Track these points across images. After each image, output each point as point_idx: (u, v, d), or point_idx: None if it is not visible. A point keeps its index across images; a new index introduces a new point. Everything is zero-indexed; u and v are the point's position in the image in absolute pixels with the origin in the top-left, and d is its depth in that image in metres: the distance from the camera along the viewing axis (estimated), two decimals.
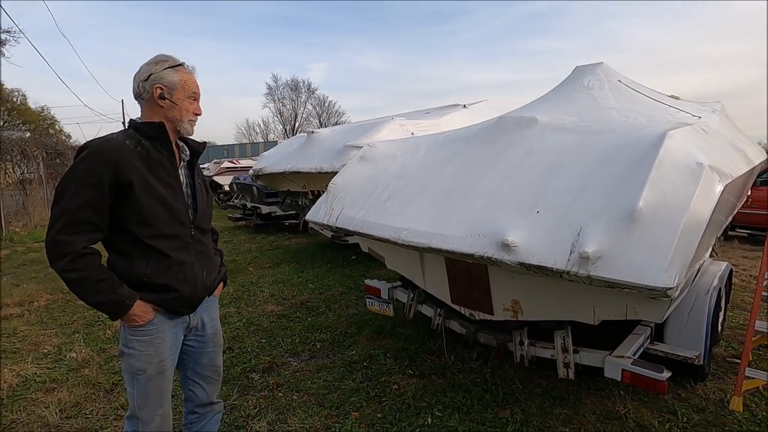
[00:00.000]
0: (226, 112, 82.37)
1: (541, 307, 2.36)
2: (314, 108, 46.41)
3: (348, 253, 6.24)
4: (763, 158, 3.86)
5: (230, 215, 10.02)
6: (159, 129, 1.49)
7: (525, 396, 2.57)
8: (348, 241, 5.81)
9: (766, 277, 2.51)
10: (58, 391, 2.70)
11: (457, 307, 2.80)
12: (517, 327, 2.55)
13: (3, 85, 29.96)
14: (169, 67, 1.50)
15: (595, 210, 1.85)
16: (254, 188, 8.64)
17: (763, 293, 2.63)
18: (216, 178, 13.74)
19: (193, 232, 1.55)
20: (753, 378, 2.47)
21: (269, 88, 45.75)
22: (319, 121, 44.62)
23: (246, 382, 2.78)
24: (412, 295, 3.18)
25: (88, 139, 1.52)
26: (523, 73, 76.94)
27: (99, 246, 1.43)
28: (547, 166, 2.29)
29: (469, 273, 2.56)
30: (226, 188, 12.85)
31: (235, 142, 45.39)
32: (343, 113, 45.78)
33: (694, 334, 2.57)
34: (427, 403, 2.51)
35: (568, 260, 1.73)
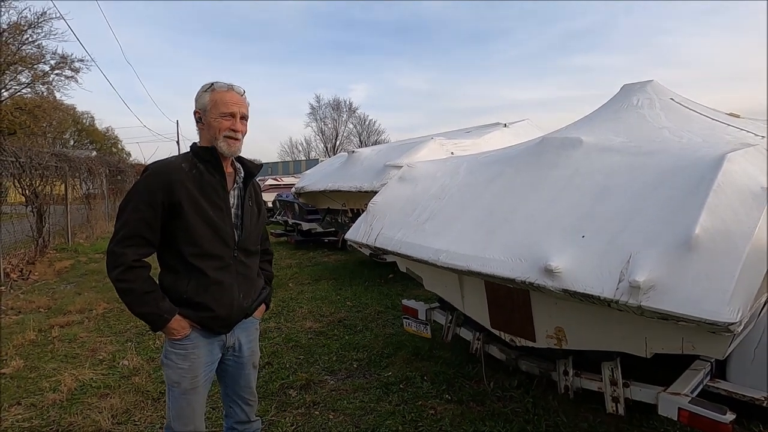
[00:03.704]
0: (271, 131, 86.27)
1: (586, 335, 2.25)
2: (355, 127, 47.61)
3: (386, 271, 6.25)
4: None
5: (273, 231, 10.35)
6: (211, 153, 1.58)
7: (570, 430, 2.44)
8: (386, 259, 5.82)
9: None
10: (111, 397, 2.86)
11: (496, 332, 2.71)
12: (561, 356, 2.44)
13: (75, 108, 32.96)
14: (202, 91, 1.60)
15: (646, 236, 1.76)
16: (296, 205, 8.89)
17: None
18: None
19: (236, 254, 1.61)
20: None
21: (312, 108, 47.59)
22: (360, 140, 45.58)
23: (284, 399, 2.82)
24: (450, 318, 3.13)
25: (145, 157, 1.65)
26: (567, 90, 75.38)
27: (153, 261, 1.53)
28: (594, 189, 2.21)
29: (510, 297, 2.49)
30: (269, 205, 13.34)
31: (279, 160, 47.21)
32: (383, 132, 46.64)
33: (762, 372, 2.34)
34: (465, 431, 2.43)
35: (617, 289, 1.65)
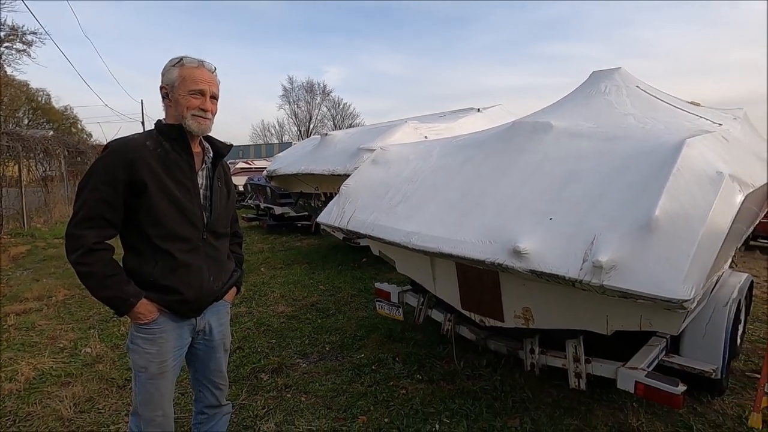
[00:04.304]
0: (242, 113, 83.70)
1: (552, 315, 2.33)
2: (329, 110, 46.83)
3: (359, 255, 6.25)
4: None
5: (244, 215, 10.14)
6: (177, 131, 1.51)
7: (535, 405, 2.54)
8: (359, 243, 5.82)
9: None
10: (72, 386, 2.76)
11: (467, 313, 2.77)
12: (528, 335, 2.52)
13: (29, 84, 30.89)
14: (170, 65, 1.51)
15: (610, 219, 1.82)
16: (268, 189, 8.73)
17: None
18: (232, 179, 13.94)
19: (205, 236, 1.56)
20: None
21: (285, 90, 46.45)
22: (334, 123, 44.96)
23: (255, 382, 2.80)
24: (422, 300, 3.17)
25: (107, 138, 1.56)
26: (540, 77, 76.40)
27: (117, 243, 1.46)
28: (562, 173, 2.26)
29: (480, 279, 2.53)
30: (241, 189, 13.03)
31: (251, 143, 46.04)
32: (358, 116, 46.09)
33: (712, 347, 2.50)
34: (435, 409, 2.49)
35: (581, 269, 1.70)
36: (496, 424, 2.35)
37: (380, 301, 3.40)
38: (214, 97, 1.57)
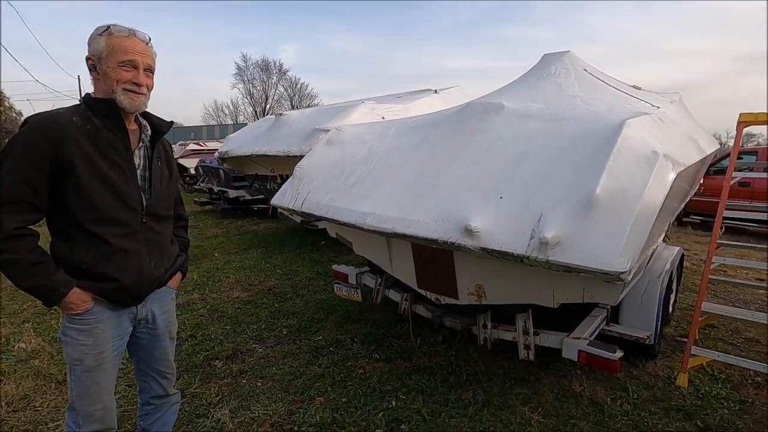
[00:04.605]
0: (193, 92, 79.32)
1: (503, 291, 2.41)
2: (286, 90, 45.34)
3: (317, 238, 6.18)
4: (715, 148, 4.04)
5: (197, 199, 9.72)
6: (109, 106, 1.39)
7: (487, 377, 2.64)
8: (318, 226, 5.75)
9: (713, 260, 2.65)
10: (5, 384, 2.56)
11: (423, 292, 2.82)
12: (480, 311, 2.60)
13: None
14: (97, 34, 1.37)
15: (556, 197, 1.88)
16: (221, 172, 8.38)
17: (711, 276, 2.77)
18: (181, 161, 13.25)
19: (144, 219, 1.47)
20: (698, 356, 2.63)
21: (238, 68, 44.31)
22: (291, 104, 43.66)
23: (208, 370, 2.73)
24: (379, 281, 3.18)
25: None
26: (497, 60, 77.83)
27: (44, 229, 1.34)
28: (513, 154, 2.31)
29: (435, 258, 2.57)
30: (192, 171, 12.43)
31: (203, 124, 43.90)
32: (316, 96, 45.01)
33: (646, 315, 2.70)
34: (392, 386, 2.54)
35: (528, 246, 1.76)
36: (451, 397, 2.43)
37: (338, 283, 3.39)
38: (149, 70, 1.44)
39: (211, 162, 9.07)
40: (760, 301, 4.15)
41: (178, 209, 1.77)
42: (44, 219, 1.39)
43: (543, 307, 2.34)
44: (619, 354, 2.14)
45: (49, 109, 1.41)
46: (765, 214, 2.73)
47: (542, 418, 2.26)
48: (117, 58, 1.36)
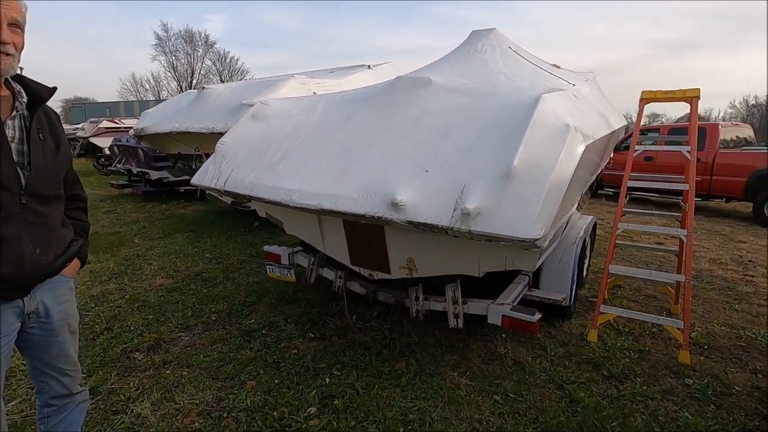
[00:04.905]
0: (107, 64, 71.47)
1: (433, 263, 2.47)
2: (214, 64, 42.30)
3: (250, 219, 5.93)
4: (623, 124, 4.40)
5: (113, 182, 8.87)
6: None
7: (420, 347, 2.72)
8: (250, 206, 5.51)
9: (618, 227, 2.91)
10: None
11: (356, 269, 2.81)
12: (412, 284, 2.65)
13: None
14: None
15: (478, 169, 1.93)
16: (140, 151, 7.69)
17: (618, 241, 3.05)
18: (93, 140, 12.01)
19: (23, 200, 1.27)
20: (606, 313, 2.90)
21: (158, 38, 40.37)
22: (221, 78, 40.92)
23: (127, 363, 2.53)
24: (312, 259, 3.13)
25: None
26: (432, 39, 78.40)
27: None
28: (440, 127, 2.32)
29: (367, 234, 2.56)
30: (107, 152, 11.31)
31: (120, 100, 39.95)
32: (248, 71, 42.47)
33: (563, 279, 2.91)
34: (326, 363, 2.53)
35: (452, 217, 1.80)
36: (384, 369, 2.47)
37: (270, 265, 3.28)
38: (16, 25, 1.23)
39: (127, 141, 8.29)
40: (659, 262, 4.66)
41: (73, 188, 1.58)
42: None
43: (471, 277, 2.43)
44: (537, 316, 2.29)
45: None
46: (662, 183, 3.03)
47: (470, 381, 2.38)
48: None
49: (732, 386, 2.36)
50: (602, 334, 2.90)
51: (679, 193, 3.46)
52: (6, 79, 1.28)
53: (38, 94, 1.35)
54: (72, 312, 1.54)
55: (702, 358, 2.66)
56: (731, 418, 2.09)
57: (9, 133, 1.27)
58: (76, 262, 1.54)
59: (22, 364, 2.35)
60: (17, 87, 1.32)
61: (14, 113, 1.29)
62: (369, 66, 6.67)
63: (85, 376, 2.37)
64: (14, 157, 1.26)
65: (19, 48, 1.26)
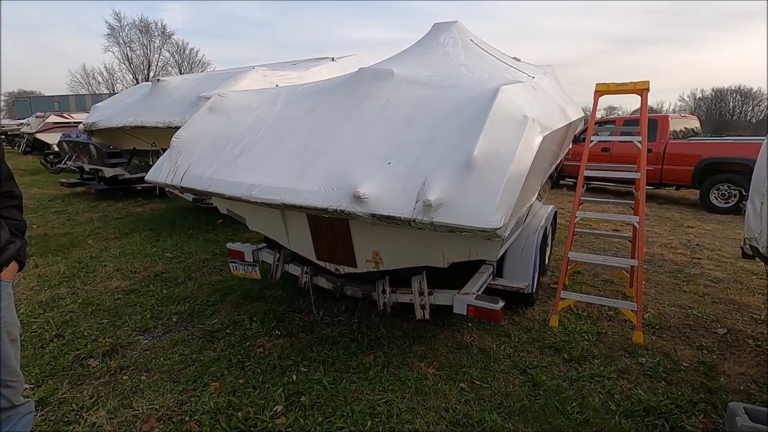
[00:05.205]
0: (55, 55, 67.04)
1: (398, 255, 2.47)
2: (172, 56, 40.53)
3: (213, 217, 5.75)
4: (580, 116, 4.54)
5: (63, 180, 8.35)
6: None
7: (388, 340, 2.73)
8: (213, 203, 5.34)
9: (576, 215, 3.01)
10: None
11: (322, 264, 2.78)
12: (379, 277, 2.65)
13: None
14: None
15: (439, 160, 1.94)
16: (91, 147, 7.27)
17: (576, 229, 3.16)
18: (40, 136, 11.27)
19: None
20: (566, 299, 3.00)
21: (111, 28, 38.20)
22: (180, 71, 39.26)
23: (80, 371, 2.40)
24: (277, 256, 3.06)
25: None
26: (398, 32, 78.30)
27: None
28: (402, 119, 2.32)
29: (332, 228, 2.53)
30: (56, 148, 10.64)
31: (70, 93, 37.61)
32: (209, 63, 41.00)
33: (525, 267, 2.99)
34: (293, 360, 2.49)
35: (414, 209, 1.80)
36: (352, 363, 2.46)
37: (234, 262, 3.19)
38: None
39: (78, 136, 7.82)
40: (615, 248, 4.88)
41: (5, 185, 1.47)
42: None
43: (436, 268, 2.45)
44: (500, 304, 2.34)
45: None
46: (616, 172, 3.16)
47: (437, 370, 2.41)
48: None
49: (680, 363, 2.50)
50: (563, 319, 3.00)
51: (632, 181, 3.62)
52: None
53: None
54: (11, 319, 1.44)
55: (654, 337, 2.80)
56: (680, 393, 2.22)
57: None
58: (13, 265, 1.45)
59: None
60: None
61: None
62: (333, 58, 6.57)
63: (32, 386, 2.24)
64: None
65: None
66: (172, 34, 41.39)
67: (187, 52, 40.62)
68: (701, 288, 3.69)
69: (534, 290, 3.14)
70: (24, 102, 33.67)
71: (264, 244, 3.24)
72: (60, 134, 9.50)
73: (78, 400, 2.14)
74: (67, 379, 2.32)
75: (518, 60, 4.26)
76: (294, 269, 3.03)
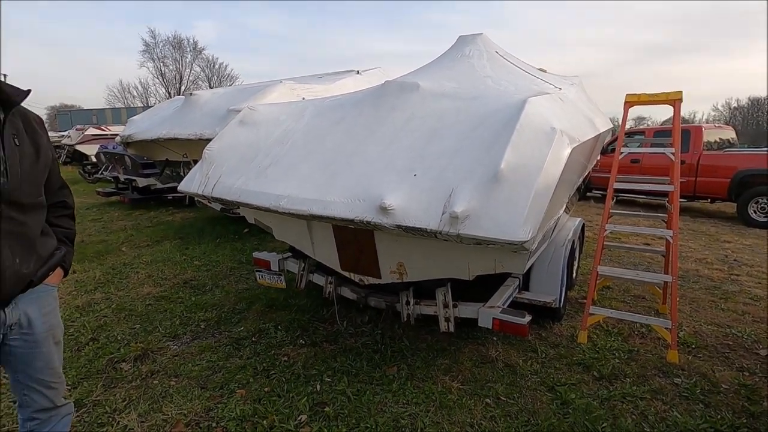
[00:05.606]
0: (93, 70, 70.69)
1: (423, 267, 2.46)
2: (203, 70, 42.11)
3: (240, 226, 5.89)
4: (609, 127, 4.46)
5: (100, 190, 8.74)
6: None
7: (411, 352, 2.71)
8: (240, 212, 5.47)
9: (606, 228, 2.94)
10: None
11: (347, 274, 2.80)
12: (403, 288, 2.65)
13: None
14: None
15: (465, 172, 1.94)
16: (126, 158, 7.60)
17: (605, 242, 3.08)
18: (79, 147, 11.84)
19: (1, 209, 1.25)
20: (595, 314, 2.92)
21: (146, 44, 40.07)
22: (210, 85, 40.71)
23: (113, 374, 2.48)
24: (302, 265, 3.11)
25: None
26: (419, 45, 79.09)
27: None
28: (427, 131, 2.33)
29: (357, 239, 2.55)
30: (93, 159, 11.15)
31: (107, 107, 39.53)
32: (237, 77, 42.38)
33: (552, 281, 2.93)
34: (317, 370, 2.50)
35: (441, 221, 1.79)
36: (376, 375, 2.46)
37: (260, 271, 3.25)
38: None
39: (114, 148, 8.19)
40: (646, 263, 4.72)
41: (59, 194, 1.55)
42: None
43: (461, 280, 2.43)
44: (527, 319, 2.29)
45: None
46: (648, 185, 3.08)
47: (462, 384, 2.38)
48: None
49: (719, 384, 2.39)
50: (592, 335, 2.91)
51: (664, 194, 3.51)
52: None
53: (10, 97, 1.31)
54: (56, 322, 1.51)
55: (690, 357, 2.68)
56: (719, 416, 2.11)
57: None
58: (59, 271, 1.51)
59: (3, 377, 2.29)
60: None
61: None
62: (358, 71, 6.68)
63: (69, 388, 2.33)
64: None
65: None
66: (203, 49, 43.01)
67: (216, 66, 42.13)
68: (740, 306, 3.52)
69: (561, 305, 3.07)
70: (65, 115, 35.59)
71: (289, 254, 3.30)
72: (98, 146, 9.96)
73: (111, 403, 2.21)
74: (101, 382, 2.40)
75: (544, 71, 4.23)
76: (318, 279, 3.06)
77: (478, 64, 3.43)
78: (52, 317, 1.48)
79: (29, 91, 1.37)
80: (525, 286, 2.98)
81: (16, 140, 1.31)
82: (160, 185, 7.61)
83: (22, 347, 1.41)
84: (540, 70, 4.13)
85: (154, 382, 2.41)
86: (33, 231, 1.37)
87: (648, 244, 5.29)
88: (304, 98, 5.17)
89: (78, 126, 15.00)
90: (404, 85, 2.79)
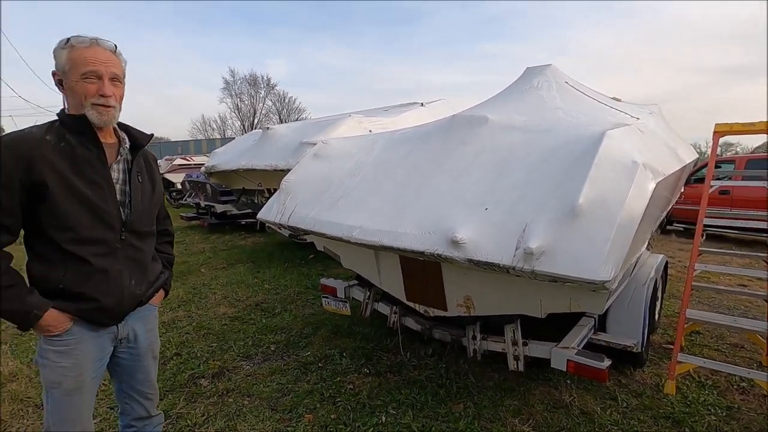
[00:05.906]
0: (181, 107, 79.04)
1: (491, 301, 2.41)
2: (274, 104, 45.37)
3: (306, 251, 6.14)
4: (694, 157, 4.14)
5: (183, 215, 9.60)
6: (82, 123, 1.36)
7: (478, 389, 2.62)
8: (306, 239, 5.72)
9: (695, 267, 2.69)
10: None
11: (412, 304, 2.81)
12: (470, 322, 2.60)
13: None
14: (59, 48, 1.33)
15: (540, 206, 1.90)
16: (208, 186, 8.32)
17: (694, 283, 2.81)
18: (168, 176, 13.14)
19: (123, 237, 1.43)
20: (684, 362, 2.64)
21: (226, 82, 44.20)
22: (279, 118, 43.66)
23: (194, 389, 2.66)
24: (368, 294, 3.16)
25: None
26: (480, 75, 79.53)
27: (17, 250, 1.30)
28: (497, 164, 2.33)
29: (423, 270, 2.57)
30: (179, 186, 12.32)
31: (190, 138, 43.69)
32: (304, 110, 45.05)
33: (633, 323, 2.72)
34: (382, 401, 2.50)
35: (514, 256, 1.77)
36: (441, 411, 2.40)
37: (326, 297, 3.35)
38: (116, 79, 1.38)
39: (197, 176, 9.00)
40: (743, 307, 4.21)
41: (163, 224, 1.75)
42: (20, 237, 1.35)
43: (531, 317, 2.35)
44: (607, 363, 2.14)
45: (32, 123, 1.39)
46: (744, 221, 2.79)
47: (533, 429, 2.25)
48: (79, 70, 1.31)
49: None
50: (681, 386, 2.64)
51: (761, 230, 3.16)
52: (113, 128, 1.47)
53: (139, 140, 1.53)
54: (155, 339, 1.67)
55: None
56: None
57: (114, 176, 1.44)
58: (161, 293, 1.69)
59: (103, 384, 2.55)
60: (122, 134, 1.51)
61: (119, 158, 1.47)
62: (422, 104, 6.86)
63: None
64: (117, 197, 1.43)
65: (120, 99, 1.41)
66: (276, 85, 46.48)
67: (286, 100, 45.20)
68: None
69: (644, 349, 2.82)
70: (155, 147, 39.85)
71: (356, 282, 3.38)
72: (183, 174, 11.02)
73: (192, 417, 2.37)
74: (183, 396, 2.58)
75: (619, 100, 4.07)
76: (383, 308, 3.09)
77: (548, 96, 3.39)
78: (152, 334, 1.65)
79: (152, 135, 1.59)
80: (601, 327, 2.79)
81: (139, 177, 1.51)
82: (235, 211, 8.19)
83: (128, 359, 1.57)
84: (614, 99, 3.98)
85: (230, 399, 2.54)
86: (147, 257, 1.55)
87: (744, 285, 4.73)
88: (371, 131, 5.39)
89: (167, 156, 16.75)
90: (473, 118, 2.83)
